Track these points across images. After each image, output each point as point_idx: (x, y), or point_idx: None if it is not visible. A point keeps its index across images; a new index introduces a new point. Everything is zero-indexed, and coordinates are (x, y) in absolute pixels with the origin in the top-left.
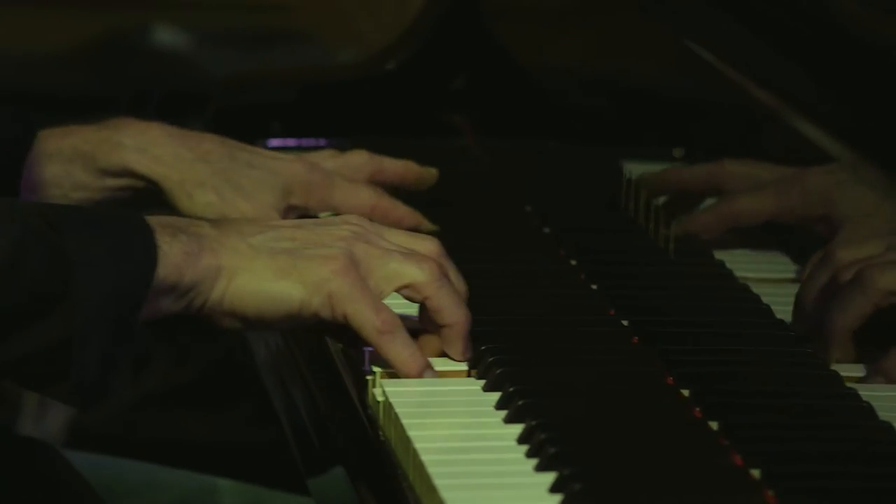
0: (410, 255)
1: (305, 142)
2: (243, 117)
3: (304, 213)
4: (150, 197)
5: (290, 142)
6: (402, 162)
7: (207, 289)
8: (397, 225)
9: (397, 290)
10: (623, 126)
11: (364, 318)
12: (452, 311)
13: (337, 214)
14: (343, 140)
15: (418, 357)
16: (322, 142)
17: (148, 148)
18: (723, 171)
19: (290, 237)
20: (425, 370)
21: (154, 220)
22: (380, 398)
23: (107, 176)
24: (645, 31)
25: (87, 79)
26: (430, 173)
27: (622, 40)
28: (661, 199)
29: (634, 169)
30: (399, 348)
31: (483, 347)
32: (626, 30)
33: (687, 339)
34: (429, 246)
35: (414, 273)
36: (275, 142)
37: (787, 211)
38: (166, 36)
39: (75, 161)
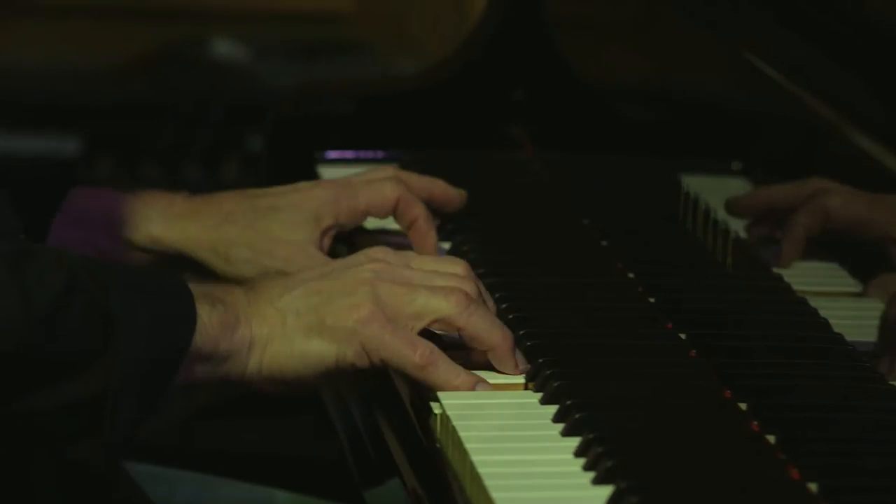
0: (437, 288)
1: (363, 153)
2: (302, 129)
3: (341, 231)
4: (177, 265)
5: (349, 153)
6: (429, 179)
7: (244, 360)
8: (414, 224)
9: (428, 326)
10: (681, 139)
11: (401, 359)
12: (489, 335)
13: (365, 221)
14: (401, 152)
15: (465, 377)
16: (380, 154)
17: (176, 221)
18: (813, 186)
19: (316, 290)
20: (477, 385)
21: (195, 289)
22: (437, 410)
23: (133, 248)
24: (704, 44)
25: (146, 91)
26: (460, 194)
27: (681, 53)
28: (721, 213)
29: (692, 182)
30: (444, 376)
31: (540, 360)
32: (685, 43)
33: (744, 353)
34: (455, 269)
35: (442, 307)
36: (333, 153)
37: (875, 221)
38: (225, 48)
39: (98, 229)
